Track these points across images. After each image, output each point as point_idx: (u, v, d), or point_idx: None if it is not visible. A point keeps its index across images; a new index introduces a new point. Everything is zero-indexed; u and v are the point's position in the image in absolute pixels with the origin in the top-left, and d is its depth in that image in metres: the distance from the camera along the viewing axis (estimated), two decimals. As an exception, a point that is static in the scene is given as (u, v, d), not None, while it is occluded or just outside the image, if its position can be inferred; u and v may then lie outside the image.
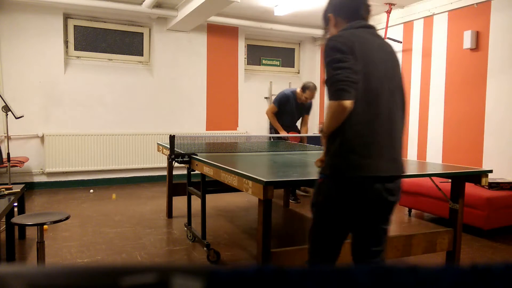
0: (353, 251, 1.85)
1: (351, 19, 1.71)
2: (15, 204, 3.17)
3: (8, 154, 4.23)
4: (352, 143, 1.59)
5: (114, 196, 4.97)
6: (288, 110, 5.00)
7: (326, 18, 1.81)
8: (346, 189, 1.62)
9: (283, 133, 4.92)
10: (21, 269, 0.33)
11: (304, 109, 5.08)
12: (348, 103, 1.53)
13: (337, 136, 1.61)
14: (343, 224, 1.72)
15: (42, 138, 5.66)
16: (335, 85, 1.54)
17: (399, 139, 1.70)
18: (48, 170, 5.65)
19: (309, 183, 2.35)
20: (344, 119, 1.57)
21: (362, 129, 1.59)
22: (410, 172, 2.57)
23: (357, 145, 1.59)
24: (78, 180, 5.90)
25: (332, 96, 1.55)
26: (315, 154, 3.69)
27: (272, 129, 5.13)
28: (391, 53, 1.72)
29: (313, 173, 2.60)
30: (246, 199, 5.21)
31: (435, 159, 5.19)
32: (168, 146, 3.45)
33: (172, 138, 3.32)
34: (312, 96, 4.88)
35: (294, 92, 4.98)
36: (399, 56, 5.76)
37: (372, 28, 1.73)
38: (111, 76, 6.04)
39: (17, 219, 2.39)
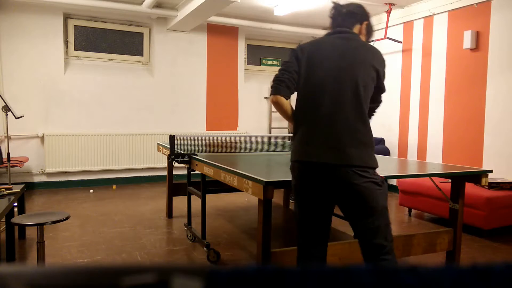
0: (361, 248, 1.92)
1: (336, 25, 2.03)
2: (15, 204, 3.17)
3: (8, 154, 4.23)
4: (295, 131, 1.93)
5: (114, 187, 4.93)
6: None
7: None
8: (293, 171, 1.93)
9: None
10: (21, 269, 0.33)
11: None
12: (274, 98, 1.90)
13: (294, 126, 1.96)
14: (305, 202, 1.91)
15: (42, 138, 5.66)
16: (272, 85, 1.93)
17: (344, 130, 1.80)
18: (48, 170, 5.65)
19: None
20: (291, 110, 1.94)
21: (301, 119, 1.90)
22: (410, 172, 2.57)
23: (297, 133, 1.90)
24: (78, 180, 5.90)
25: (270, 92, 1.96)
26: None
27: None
28: (353, 54, 1.87)
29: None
30: (246, 199, 5.21)
31: (435, 159, 5.19)
32: (168, 146, 3.45)
33: (172, 138, 3.32)
34: None
35: None
36: (398, 56, 5.76)
37: (339, 33, 1.97)
38: (111, 76, 6.04)
39: (17, 219, 2.39)
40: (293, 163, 1.91)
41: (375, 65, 1.88)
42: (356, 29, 2.01)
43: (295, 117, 1.94)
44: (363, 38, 2.03)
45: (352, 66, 1.85)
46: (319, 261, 1.95)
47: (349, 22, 2.00)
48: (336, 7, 2.06)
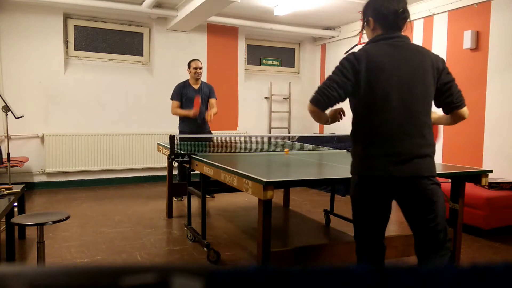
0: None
1: (386, 29, 1.88)
2: (15, 204, 3.17)
3: (8, 154, 4.23)
4: (356, 147, 1.89)
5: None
6: (189, 96, 4.81)
7: (366, 20, 1.95)
8: (360, 184, 1.89)
9: (190, 111, 4.70)
10: (21, 269, 0.33)
11: (205, 93, 4.92)
12: (313, 108, 1.86)
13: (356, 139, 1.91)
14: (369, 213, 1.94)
15: (42, 138, 5.66)
16: (316, 92, 1.84)
17: (409, 141, 1.79)
18: (48, 170, 5.65)
19: (309, 183, 2.35)
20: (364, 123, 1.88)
21: (362, 135, 1.86)
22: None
23: (362, 147, 1.85)
24: (78, 180, 5.90)
25: (311, 97, 1.86)
26: (316, 154, 3.69)
27: (185, 126, 4.90)
28: (413, 63, 1.81)
29: (313, 173, 2.60)
30: (246, 199, 5.21)
31: (435, 159, 5.19)
32: (168, 146, 3.45)
33: (172, 138, 3.32)
34: (197, 64, 4.83)
35: (185, 80, 4.96)
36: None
37: (395, 38, 1.86)
38: (111, 76, 6.04)
39: (17, 219, 2.39)
40: (362, 176, 1.86)
41: (434, 67, 1.86)
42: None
43: (360, 131, 1.87)
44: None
45: (414, 74, 1.81)
46: (382, 258, 2.00)
47: (403, 24, 1.90)
48: (394, 4, 1.86)
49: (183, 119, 4.92)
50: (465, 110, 1.93)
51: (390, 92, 1.79)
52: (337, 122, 2.09)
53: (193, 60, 4.94)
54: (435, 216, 1.83)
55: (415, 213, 1.86)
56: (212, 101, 4.98)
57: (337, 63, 1.87)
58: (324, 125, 7.42)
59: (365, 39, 2.03)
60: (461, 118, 1.94)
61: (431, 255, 1.88)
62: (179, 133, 4.83)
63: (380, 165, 1.78)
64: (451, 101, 1.89)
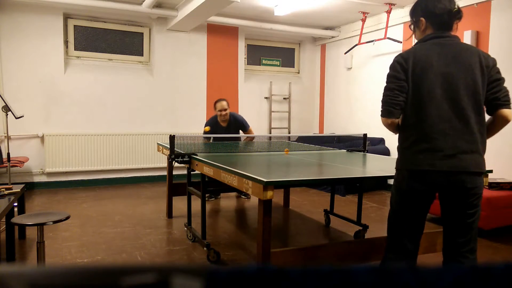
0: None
1: (438, 29, 1.88)
2: (15, 204, 3.17)
3: (8, 154, 4.23)
4: (403, 142, 1.91)
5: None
6: (218, 133, 4.84)
7: (416, 20, 1.94)
8: (407, 179, 1.91)
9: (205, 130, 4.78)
10: (21, 269, 0.33)
11: (235, 129, 4.94)
12: (388, 120, 1.89)
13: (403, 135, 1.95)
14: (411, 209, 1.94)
15: (42, 138, 5.66)
16: (383, 105, 1.89)
17: (455, 136, 1.80)
18: (48, 170, 5.65)
19: (309, 183, 2.35)
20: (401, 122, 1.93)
21: (409, 131, 1.87)
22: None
23: (406, 144, 1.89)
24: (78, 180, 5.90)
25: (381, 113, 1.92)
26: (316, 154, 3.69)
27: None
28: (462, 60, 1.80)
29: (313, 173, 2.60)
30: (246, 199, 5.21)
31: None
32: (168, 146, 3.45)
33: (172, 138, 3.32)
34: (222, 106, 4.79)
35: (215, 116, 4.92)
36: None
37: (445, 37, 1.85)
38: (111, 76, 6.04)
39: (17, 219, 2.39)
40: (410, 171, 1.87)
41: (484, 64, 1.84)
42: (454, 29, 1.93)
43: (407, 127, 1.89)
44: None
45: (462, 70, 1.81)
46: (415, 256, 1.99)
47: (455, 23, 1.89)
48: (446, 3, 1.86)
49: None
50: (510, 112, 1.88)
51: (435, 88, 1.79)
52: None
53: (218, 101, 4.89)
54: (475, 211, 1.86)
55: (456, 208, 1.86)
56: (247, 132, 4.99)
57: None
58: (324, 125, 7.42)
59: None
60: (505, 119, 1.90)
61: (462, 252, 1.89)
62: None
63: (427, 160, 1.80)
64: (496, 98, 1.85)
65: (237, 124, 4.97)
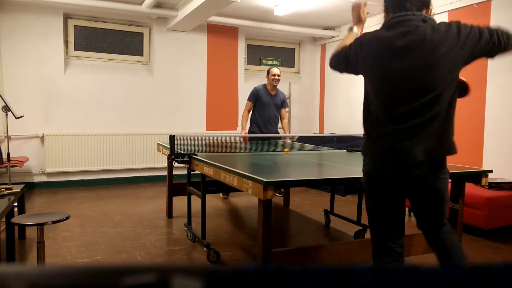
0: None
1: (394, 11, 1.82)
2: (15, 204, 3.17)
3: (8, 154, 4.23)
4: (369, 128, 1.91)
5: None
6: (264, 101, 5.15)
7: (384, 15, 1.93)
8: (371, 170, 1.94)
9: (243, 133, 5.10)
10: (21, 269, 0.33)
11: (278, 101, 5.21)
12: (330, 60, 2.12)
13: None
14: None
15: (42, 138, 5.66)
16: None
17: (409, 129, 1.76)
18: (48, 170, 5.65)
19: (309, 183, 2.35)
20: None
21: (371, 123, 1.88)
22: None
23: (371, 132, 1.89)
24: (78, 180, 5.90)
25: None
26: (316, 154, 3.69)
27: (254, 127, 5.20)
28: (415, 47, 1.71)
29: (313, 173, 2.60)
30: (246, 199, 5.21)
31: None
32: (168, 146, 3.45)
33: (172, 138, 3.32)
34: (277, 71, 5.15)
35: (264, 85, 5.24)
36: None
37: (403, 22, 1.76)
38: (111, 76, 6.04)
39: (17, 219, 2.39)
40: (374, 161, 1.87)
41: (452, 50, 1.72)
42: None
43: (368, 115, 1.89)
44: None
45: (415, 63, 1.72)
46: (401, 256, 1.96)
47: (412, 3, 1.79)
48: None
49: (252, 122, 5.22)
50: None
51: (383, 85, 1.80)
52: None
53: (272, 67, 5.26)
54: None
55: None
56: (283, 111, 5.33)
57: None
58: (324, 125, 7.42)
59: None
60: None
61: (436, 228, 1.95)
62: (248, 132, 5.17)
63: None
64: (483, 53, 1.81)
65: (282, 97, 5.30)
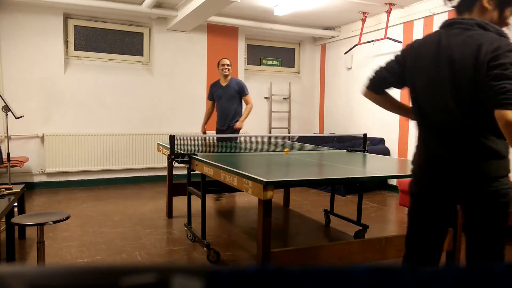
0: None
1: (456, 12, 1.68)
2: (15, 204, 3.17)
3: (8, 154, 4.23)
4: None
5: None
6: (216, 96, 5.14)
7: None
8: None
9: (201, 129, 5.19)
10: (21, 269, 0.33)
11: (231, 91, 5.07)
12: (364, 90, 1.87)
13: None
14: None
15: (42, 138, 5.66)
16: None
17: (447, 143, 1.63)
18: (48, 170, 5.65)
19: (309, 183, 2.35)
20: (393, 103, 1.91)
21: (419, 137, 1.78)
22: (410, 172, 2.57)
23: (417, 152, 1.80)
24: (78, 180, 5.90)
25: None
26: (316, 154, 3.69)
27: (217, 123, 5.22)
28: (451, 57, 1.56)
29: (313, 173, 2.60)
30: (246, 199, 5.21)
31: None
32: (168, 146, 3.45)
33: (172, 138, 3.32)
34: (225, 61, 5.11)
35: (218, 80, 5.24)
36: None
37: (453, 24, 1.61)
38: (111, 76, 6.04)
39: (17, 219, 2.39)
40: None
41: (480, 63, 1.49)
42: (476, 11, 1.59)
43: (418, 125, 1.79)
44: (488, 16, 1.58)
45: (446, 73, 1.58)
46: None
47: (466, 4, 1.61)
48: None
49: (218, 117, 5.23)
50: (503, 113, 1.40)
51: (422, 89, 1.67)
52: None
53: (221, 58, 5.25)
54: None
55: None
56: (245, 98, 5.15)
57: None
58: (324, 125, 7.42)
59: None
60: (500, 122, 1.43)
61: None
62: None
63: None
64: (488, 97, 1.48)
65: (238, 86, 5.12)
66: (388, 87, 1.83)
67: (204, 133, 5.28)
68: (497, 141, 1.57)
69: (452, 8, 1.71)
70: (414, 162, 1.80)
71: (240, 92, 5.09)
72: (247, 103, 5.12)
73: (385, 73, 1.79)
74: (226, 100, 5.04)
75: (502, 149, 1.58)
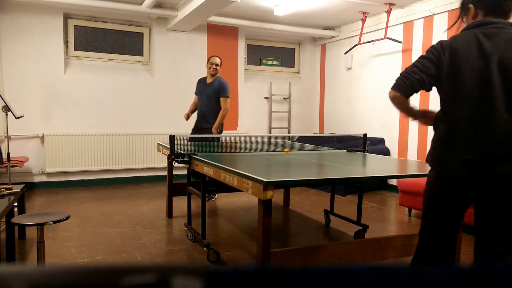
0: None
1: (488, 14, 1.72)
2: (15, 204, 3.17)
3: (8, 154, 4.23)
4: (441, 140, 1.76)
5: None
6: (198, 91, 5.10)
7: (465, 7, 1.80)
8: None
9: (185, 115, 5.08)
10: (21, 269, 0.33)
11: (210, 89, 4.97)
12: (395, 93, 1.76)
13: (435, 130, 1.83)
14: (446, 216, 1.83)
15: (42, 138, 5.66)
16: (398, 77, 1.77)
17: (494, 138, 1.64)
18: (48, 170, 5.65)
19: (309, 183, 2.35)
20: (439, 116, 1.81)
21: (447, 128, 1.74)
22: (410, 172, 2.57)
23: (444, 142, 1.75)
24: (78, 180, 5.90)
25: (392, 84, 1.78)
26: (316, 154, 3.69)
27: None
28: (502, 56, 1.63)
29: (313, 173, 2.60)
30: (246, 199, 5.21)
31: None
32: (168, 146, 3.45)
33: (172, 138, 3.32)
34: (214, 60, 5.00)
35: (204, 77, 5.18)
36: (398, 56, 5.76)
37: (491, 24, 1.68)
38: (111, 76, 6.04)
39: (17, 219, 2.39)
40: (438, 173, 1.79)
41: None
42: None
43: (441, 125, 1.78)
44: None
45: (498, 66, 1.63)
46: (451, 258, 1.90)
47: (509, 8, 1.71)
48: None
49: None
50: None
51: (469, 86, 1.67)
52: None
53: (212, 56, 5.16)
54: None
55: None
56: (221, 99, 4.94)
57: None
58: (324, 125, 7.42)
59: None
60: None
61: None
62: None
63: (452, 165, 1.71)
64: None
65: (218, 86, 4.97)
66: (420, 89, 1.77)
67: (187, 117, 5.10)
68: None
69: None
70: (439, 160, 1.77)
71: (219, 92, 4.93)
72: (221, 106, 4.93)
73: (421, 75, 1.72)
74: (207, 98, 4.96)
75: None
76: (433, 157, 1.80)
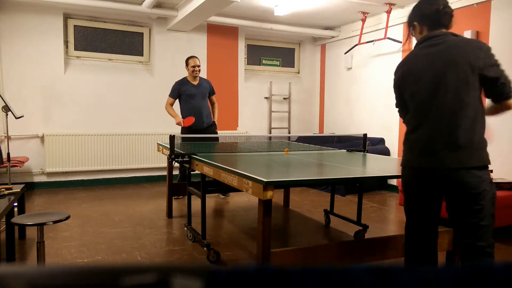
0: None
1: (431, 28, 1.99)
2: (15, 204, 3.17)
3: (8, 154, 4.23)
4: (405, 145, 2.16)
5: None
6: (190, 93, 4.96)
7: (412, 25, 2.07)
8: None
9: (178, 119, 4.92)
10: (21, 269, 0.33)
11: (204, 90, 5.02)
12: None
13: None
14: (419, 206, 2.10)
15: (42, 138, 5.66)
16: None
17: (446, 137, 1.89)
18: (48, 170, 5.65)
19: (309, 183, 2.35)
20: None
21: (411, 135, 2.08)
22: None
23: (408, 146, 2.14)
24: (78, 180, 5.90)
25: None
26: (316, 154, 3.69)
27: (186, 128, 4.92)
28: (442, 59, 1.89)
29: (313, 173, 2.60)
30: (246, 199, 5.21)
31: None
32: (168, 146, 3.45)
33: (172, 138, 3.32)
34: (196, 62, 4.96)
35: (184, 78, 5.07)
36: (398, 56, 5.76)
37: (434, 38, 1.95)
38: (111, 76, 6.04)
39: (17, 219, 2.39)
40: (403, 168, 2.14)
41: (472, 62, 1.87)
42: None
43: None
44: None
45: (443, 75, 1.88)
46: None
47: (447, 20, 1.99)
48: (434, 3, 1.98)
49: (183, 117, 5.03)
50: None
51: (426, 93, 1.93)
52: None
53: (191, 57, 5.04)
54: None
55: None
56: (214, 97, 5.21)
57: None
58: (324, 125, 7.42)
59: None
60: (507, 108, 2.01)
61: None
62: (181, 133, 4.92)
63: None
64: (495, 95, 1.97)
65: (210, 85, 5.15)
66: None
67: (185, 124, 4.94)
68: None
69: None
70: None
71: (211, 91, 5.15)
72: (213, 103, 5.20)
73: (400, 108, 2.13)
74: (201, 98, 5.01)
75: None
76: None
